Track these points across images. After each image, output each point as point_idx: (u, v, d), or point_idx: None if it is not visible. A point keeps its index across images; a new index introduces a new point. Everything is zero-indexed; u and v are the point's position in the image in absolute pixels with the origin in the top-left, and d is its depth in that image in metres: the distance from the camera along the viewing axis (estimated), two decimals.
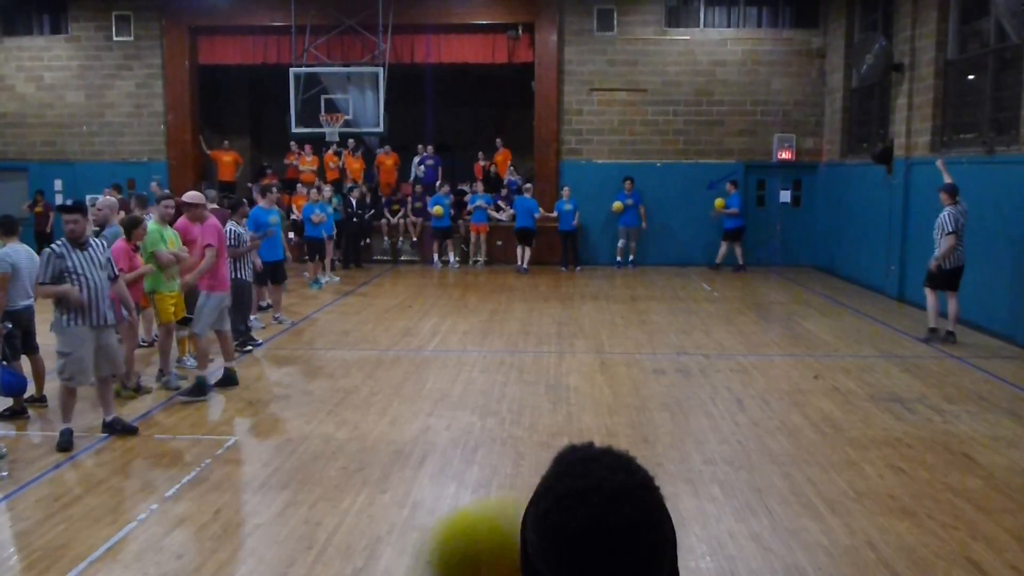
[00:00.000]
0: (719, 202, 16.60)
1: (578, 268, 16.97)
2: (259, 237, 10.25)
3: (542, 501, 1.18)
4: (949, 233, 9.58)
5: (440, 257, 17.30)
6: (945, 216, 9.65)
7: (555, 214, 16.72)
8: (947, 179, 10.11)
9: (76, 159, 18.61)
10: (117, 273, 6.73)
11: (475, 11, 17.60)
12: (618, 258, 17.15)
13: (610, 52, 17.39)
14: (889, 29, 13.86)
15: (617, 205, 16.76)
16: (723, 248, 16.74)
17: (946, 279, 9.81)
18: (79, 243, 6.41)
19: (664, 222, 17.20)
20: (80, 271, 6.34)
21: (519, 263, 16.59)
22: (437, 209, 16.71)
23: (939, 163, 10.75)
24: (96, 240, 6.73)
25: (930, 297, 10.07)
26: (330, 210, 14.70)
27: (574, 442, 1.28)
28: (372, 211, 17.49)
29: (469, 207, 17.34)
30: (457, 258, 17.37)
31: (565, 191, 16.77)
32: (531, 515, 1.20)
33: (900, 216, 12.99)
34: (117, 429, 6.59)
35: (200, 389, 7.67)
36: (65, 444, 6.22)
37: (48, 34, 18.50)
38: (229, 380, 8.05)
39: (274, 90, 18.57)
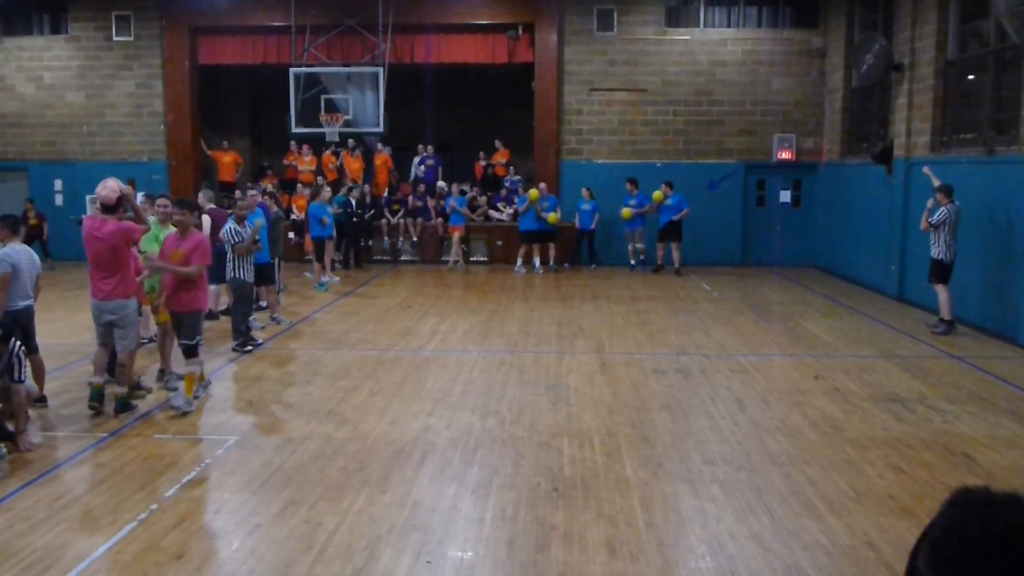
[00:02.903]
0: (627, 212, 16.34)
1: (593, 265, 17.05)
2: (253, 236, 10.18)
3: (946, 546, 1.11)
4: (934, 224, 10.30)
5: (525, 263, 16.65)
6: (941, 211, 10.31)
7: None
8: (936, 183, 10.72)
9: (76, 159, 18.61)
10: None
11: (475, 11, 17.60)
12: (632, 261, 16.76)
13: (610, 52, 17.39)
14: (889, 29, 13.86)
15: (626, 212, 16.37)
16: (660, 250, 16.39)
17: (946, 272, 10.37)
18: None
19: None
20: None
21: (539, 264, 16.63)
22: (552, 217, 16.25)
23: (927, 170, 11.42)
24: None
25: (942, 292, 10.47)
26: (331, 210, 14.69)
27: (966, 484, 1.19)
28: (372, 211, 17.49)
29: (445, 208, 17.20)
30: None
31: (585, 192, 16.75)
32: (932, 558, 1.12)
33: (900, 216, 12.99)
34: None
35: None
36: None
37: (48, 34, 18.50)
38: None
39: (274, 90, 18.58)
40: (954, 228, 10.30)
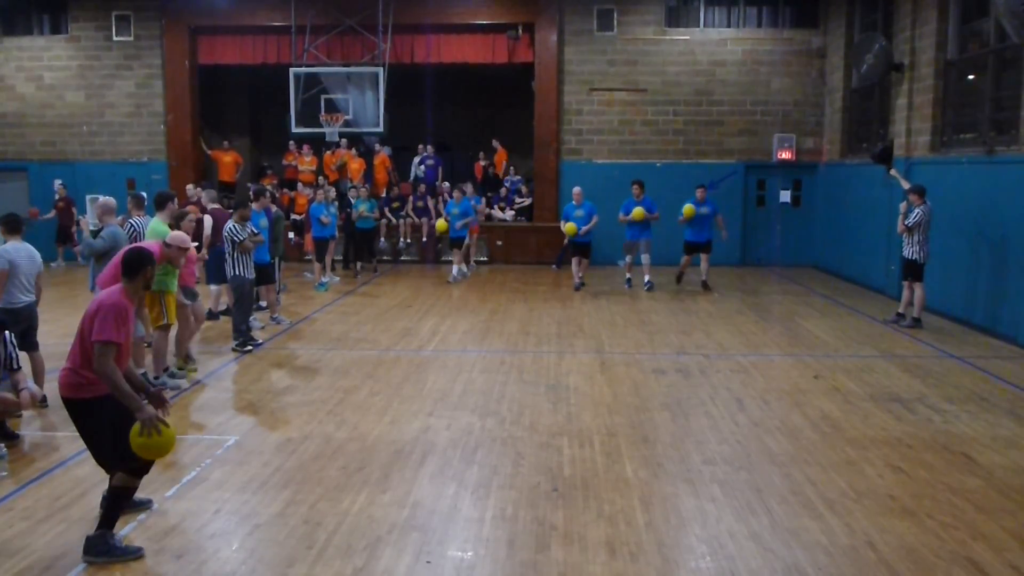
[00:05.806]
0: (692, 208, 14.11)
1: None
2: (255, 236, 10.17)
3: None
4: (910, 226, 10.55)
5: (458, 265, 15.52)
6: (916, 212, 10.57)
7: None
8: (906, 185, 11.15)
9: (76, 159, 18.61)
10: None
11: (475, 11, 17.61)
12: (628, 274, 14.62)
13: (610, 52, 17.40)
14: (889, 29, 13.86)
15: (638, 212, 13.73)
16: (686, 260, 14.44)
17: (919, 271, 10.77)
18: None
19: (664, 222, 17.09)
20: None
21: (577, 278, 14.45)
22: (570, 227, 13.83)
23: (893, 172, 11.71)
24: None
25: (906, 290, 11.02)
26: (333, 210, 14.67)
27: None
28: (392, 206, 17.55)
29: (444, 214, 16.99)
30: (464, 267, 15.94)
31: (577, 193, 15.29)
32: None
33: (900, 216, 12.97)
34: None
35: None
36: None
37: (48, 34, 18.51)
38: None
39: (274, 90, 18.58)
40: (928, 228, 10.58)
